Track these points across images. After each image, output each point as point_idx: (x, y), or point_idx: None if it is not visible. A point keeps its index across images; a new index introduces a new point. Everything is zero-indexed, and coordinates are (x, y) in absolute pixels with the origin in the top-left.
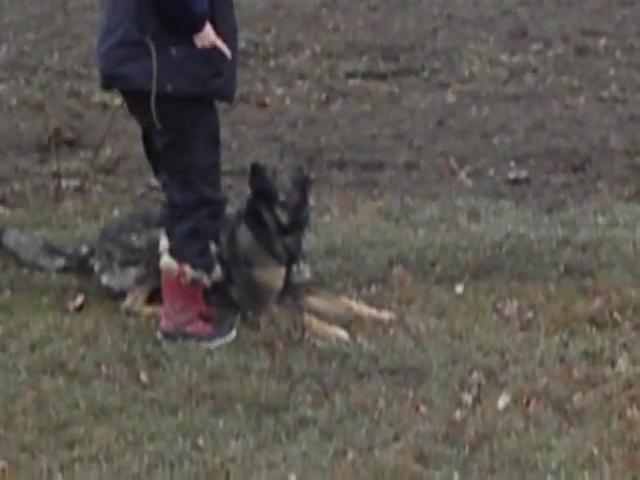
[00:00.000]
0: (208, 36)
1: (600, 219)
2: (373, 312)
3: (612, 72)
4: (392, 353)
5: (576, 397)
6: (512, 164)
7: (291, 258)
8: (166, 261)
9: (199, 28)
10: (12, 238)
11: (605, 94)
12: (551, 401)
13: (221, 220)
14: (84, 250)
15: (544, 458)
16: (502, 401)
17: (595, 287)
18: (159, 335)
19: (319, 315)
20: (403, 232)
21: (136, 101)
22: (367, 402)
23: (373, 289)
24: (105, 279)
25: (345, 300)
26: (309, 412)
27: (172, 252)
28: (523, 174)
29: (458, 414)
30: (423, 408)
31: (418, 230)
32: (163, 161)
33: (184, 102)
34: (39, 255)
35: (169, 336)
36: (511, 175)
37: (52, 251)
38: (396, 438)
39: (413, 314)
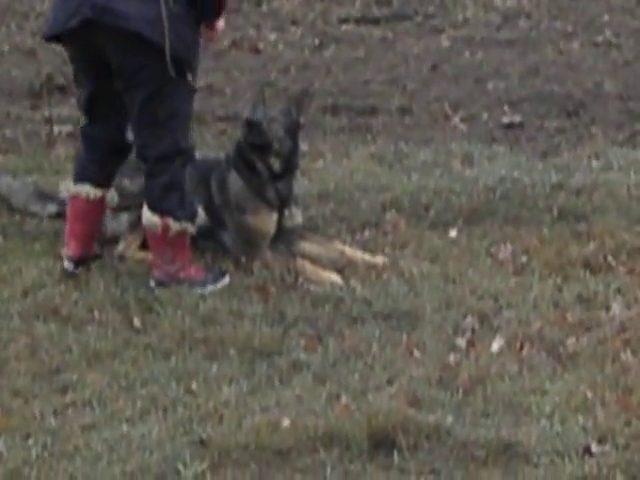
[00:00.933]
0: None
1: (594, 163)
2: (366, 257)
3: (606, 17)
4: (386, 297)
5: (570, 341)
6: (506, 109)
7: (283, 203)
8: (148, 217)
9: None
10: (4, 184)
11: (599, 39)
12: (545, 345)
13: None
14: None
15: (538, 402)
16: (496, 345)
17: (589, 231)
18: (152, 284)
19: (312, 260)
20: (397, 177)
21: (121, 43)
22: (361, 346)
23: (366, 234)
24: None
25: (338, 245)
26: (302, 356)
27: (152, 207)
28: (517, 119)
29: (452, 358)
30: (417, 352)
31: (412, 175)
32: (140, 115)
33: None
34: (31, 201)
35: (162, 284)
36: (505, 120)
37: (44, 197)
38: (390, 382)
39: (406, 258)
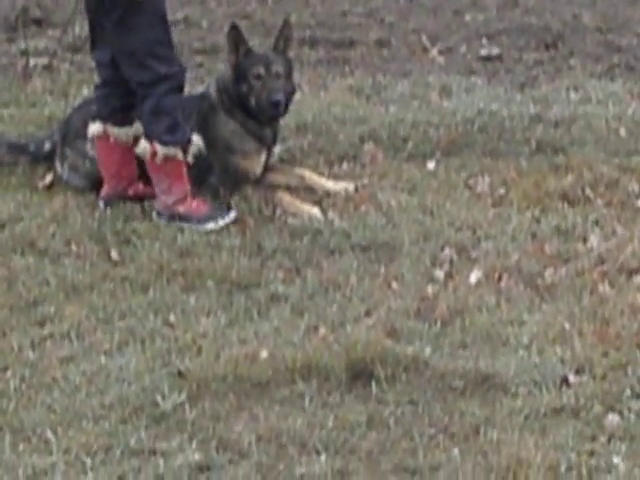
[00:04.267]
0: None
1: (572, 96)
2: (329, 184)
3: None
4: (363, 229)
5: (548, 272)
6: (484, 41)
7: (274, 141)
8: (140, 143)
9: None
10: None
11: None
12: (523, 276)
13: (182, 92)
14: (47, 147)
15: (515, 333)
16: (474, 276)
17: (567, 163)
18: (154, 216)
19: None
20: (374, 109)
21: None
22: (338, 278)
23: (344, 166)
24: (65, 176)
25: (299, 171)
26: (280, 288)
27: (144, 134)
28: (495, 51)
29: (430, 290)
30: (395, 284)
31: (389, 107)
32: (112, 42)
33: None
34: (2, 153)
35: (162, 215)
36: (483, 52)
37: (15, 148)
38: (368, 314)
39: (384, 190)
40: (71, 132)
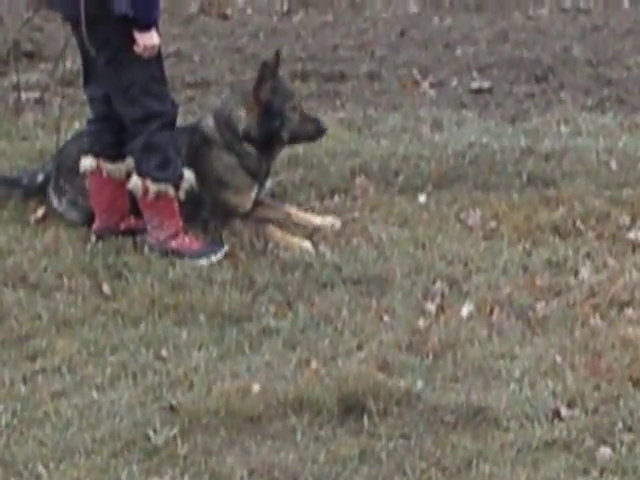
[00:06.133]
0: (151, 38)
1: (563, 129)
2: (316, 220)
3: None
4: (355, 263)
5: (539, 306)
6: (475, 74)
7: (266, 176)
8: (132, 180)
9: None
10: None
11: (568, 4)
12: (514, 310)
13: (174, 128)
14: (40, 178)
15: (507, 366)
16: (465, 310)
17: (558, 196)
18: (146, 248)
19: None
20: (366, 142)
21: (73, 12)
22: (330, 312)
23: (336, 199)
24: (61, 209)
25: (285, 208)
26: (272, 322)
27: (135, 170)
28: (486, 84)
29: (421, 323)
30: (386, 317)
31: (381, 140)
32: (105, 78)
33: (120, 20)
34: None
35: (154, 250)
36: (474, 85)
37: (8, 182)
38: (359, 347)
39: (376, 223)
40: (67, 165)
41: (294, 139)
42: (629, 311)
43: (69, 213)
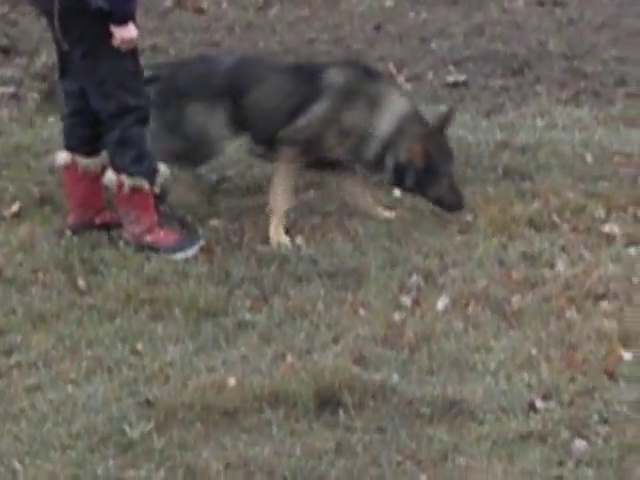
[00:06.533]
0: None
1: (538, 122)
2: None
3: None
4: (331, 256)
5: (515, 298)
6: (451, 68)
7: None
8: (107, 174)
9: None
10: None
11: None
12: (490, 303)
13: (148, 123)
14: None
15: (483, 359)
16: (441, 303)
17: (534, 189)
18: (122, 242)
19: None
20: None
21: (48, 19)
22: (306, 306)
23: (312, 193)
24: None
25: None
26: (248, 316)
27: (110, 164)
28: (462, 78)
29: (397, 316)
30: (362, 311)
31: None
32: (80, 73)
33: (96, 14)
34: None
35: (130, 245)
36: (450, 79)
37: None
38: (335, 341)
39: (352, 217)
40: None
41: (431, 200)
42: (604, 304)
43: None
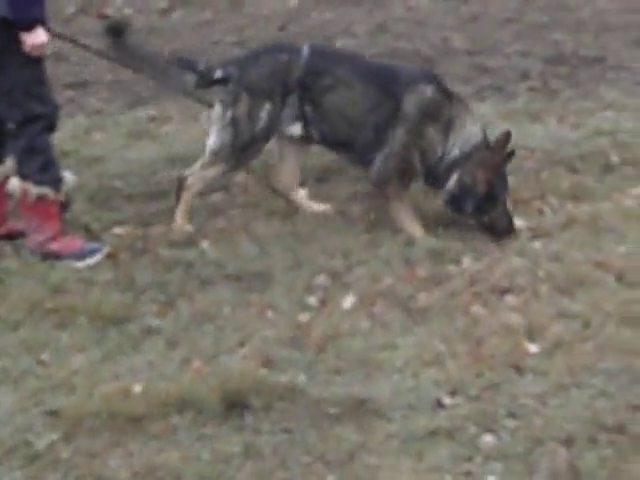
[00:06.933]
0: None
1: None
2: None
3: None
4: (237, 259)
5: (421, 295)
6: None
7: None
8: (11, 181)
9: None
10: None
11: None
12: (396, 301)
13: (54, 130)
14: (217, 74)
15: (390, 357)
16: (347, 302)
17: None
18: (27, 252)
19: None
20: None
21: None
22: (212, 309)
23: (216, 196)
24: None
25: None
26: (154, 322)
27: (17, 172)
28: None
29: (303, 317)
30: (269, 313)
31: None
32: None
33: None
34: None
35: (34, 253)
36: None
37: (182, 64)
38: (242, 344)
39: (257, 220)
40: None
41: (484, 225)
42: (510, 298)
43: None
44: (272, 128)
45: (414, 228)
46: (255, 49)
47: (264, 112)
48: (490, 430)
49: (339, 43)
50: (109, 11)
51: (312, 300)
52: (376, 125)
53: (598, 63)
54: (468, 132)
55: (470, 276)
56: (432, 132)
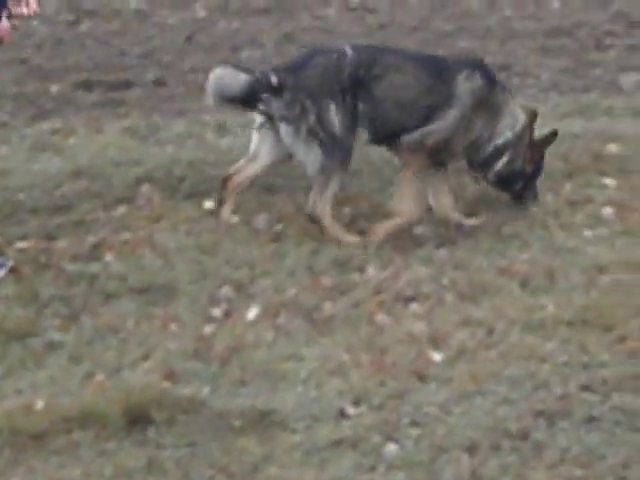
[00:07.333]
0: None
1: None
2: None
3: None
4: (141, 272)
5: (325, 305)
6: None
7: None
8: None
9: None
10: None
11: (355, 3)
12: (300, 311)
13: None
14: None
15: (294, 368)
16: (252, 313)
17: (344, 195)
18: None
19: None
20: (150, 150)
21: None
22: (116, 323)
23: (121, 209)
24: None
25: None
26: (57, 336)
27: None
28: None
29: (207, 329)
30: (172, 325)
31: (166, 147)
32: None
33: None
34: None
35: None
36: None
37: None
38: (145, 357)
39: (161, 232)
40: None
41: (519, 197)
42: (414, 306)
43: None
44: (350, 125)
45: (408, 210)
46: (300, 55)
47: (332, 114)
48: (393, 439)
49: (245, 53)
50: (15, 22)
51: (216, 312)
52: (428, 108)
53: (504, 70)
54: (516, 116)
55: (375, 285)
56: (482, 117)
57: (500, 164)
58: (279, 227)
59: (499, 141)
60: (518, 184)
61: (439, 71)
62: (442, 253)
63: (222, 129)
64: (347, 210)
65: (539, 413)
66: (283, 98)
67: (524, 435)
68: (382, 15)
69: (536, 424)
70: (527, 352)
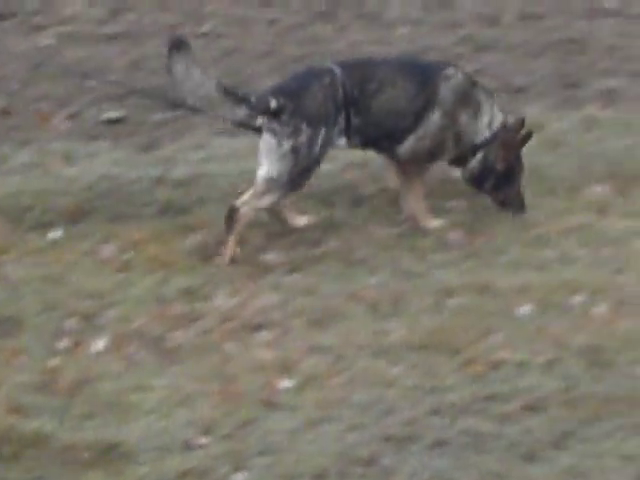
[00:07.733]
0: None
1: (195, 155)
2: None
3: (210, 7)
4: None
5: (173, 335)
6: (108, 105)
7: None
8: None
9: None
10: None
11: (206, 29)
12: (148, 341)
13: None
14: (273, 104)
15: (141, 399)
16: (99, 345)
17: (192, 223)
18: None
19: None
20: None
21: None
22: None
23: None
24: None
25: None
26: None
27: None
28: (118, 114)
29: (54, 362)
30: (19, 358)
31: (11, 177)
32: None
33: None
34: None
35: None
36: (107, 116)
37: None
38: None
39: (7, 264)
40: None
41: (499, 202)
42: (263, 333)
43: None
44: (325, 151)
45: (425, 216)
46: (293, 76)
47: (320, 138)
48: (242, 469)
49: (93, 81)
50: None
51: (63, 344)
52: (416, 111)
53: None
54: (494, 115)
55: (223, 313)
56: (465, 115)
57: (474, 161)
58: (127, 256)
59: (478, 138)
60: (489, 182)
61: (423, 75)
62: (291, 279)
63: (69, 158)
64: (195, 238)
65: (388, 438)
66: (280, 119)
67: (373, 460)
68: (231, 41)
69: (385, 449)
70: (376, 377)
